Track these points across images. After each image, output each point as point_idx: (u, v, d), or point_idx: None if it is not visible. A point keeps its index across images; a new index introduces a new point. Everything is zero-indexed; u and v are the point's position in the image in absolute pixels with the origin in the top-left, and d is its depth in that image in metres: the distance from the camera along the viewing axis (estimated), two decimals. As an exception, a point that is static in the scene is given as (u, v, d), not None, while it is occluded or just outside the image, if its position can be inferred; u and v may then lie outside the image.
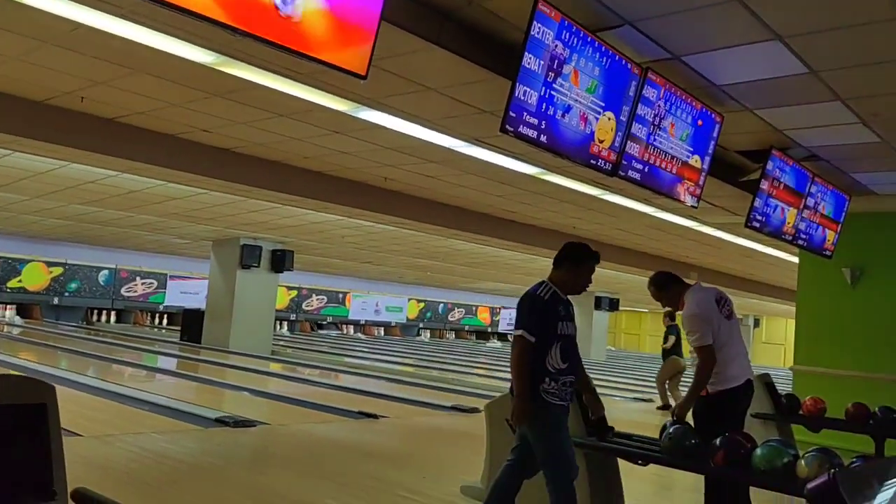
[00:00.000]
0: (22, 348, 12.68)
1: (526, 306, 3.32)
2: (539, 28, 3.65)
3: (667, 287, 4.17)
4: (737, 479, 3.49)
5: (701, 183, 5.32)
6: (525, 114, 3.78)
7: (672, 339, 10.06)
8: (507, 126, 3.72)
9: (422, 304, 28.64)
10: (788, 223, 6.54)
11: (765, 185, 6.00)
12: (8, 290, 19.14)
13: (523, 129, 3.80)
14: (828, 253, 7.35)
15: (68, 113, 6.29)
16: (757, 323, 31.37)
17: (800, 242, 6.85)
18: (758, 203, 6.02)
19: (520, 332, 3.25)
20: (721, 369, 3.89)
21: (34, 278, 19.58)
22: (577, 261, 3.44)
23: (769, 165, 5.94)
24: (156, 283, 21.82)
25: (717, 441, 3.36)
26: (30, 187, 10.13)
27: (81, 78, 5.41)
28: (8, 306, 19.59)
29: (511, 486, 3.44)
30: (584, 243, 3.54)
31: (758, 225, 6.15)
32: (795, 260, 8.62)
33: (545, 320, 3.28)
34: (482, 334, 31.11)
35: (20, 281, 19.33)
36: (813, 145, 6.05)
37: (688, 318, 4.00)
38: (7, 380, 2.13)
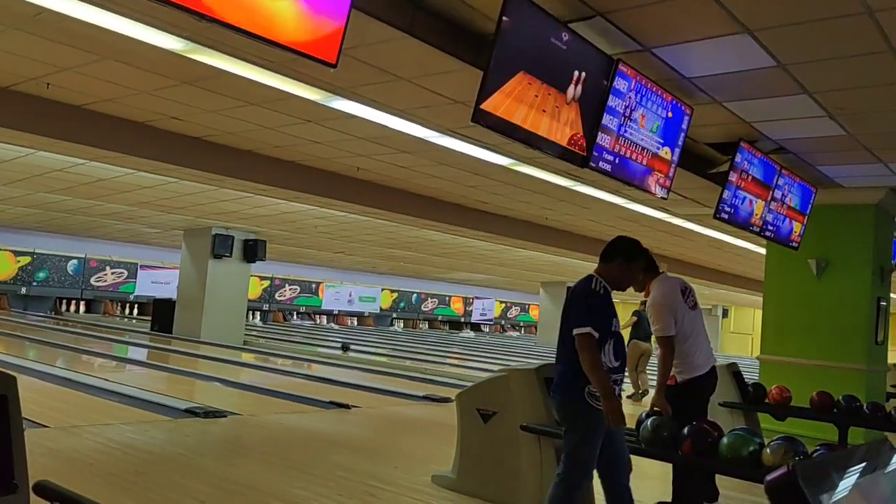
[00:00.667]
0: (-13, 339, 12.43)
1: (585, 302, 3.20)
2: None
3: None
4: (704, 467, 3.55)
5: (671, 174, 5.37)
6: (497, 104, 3.77)
7: (633, 320, 10.22)
8: (480, 116, 3.72)
9: (395, 295, 28.62)
10: (756, 215, 6.63)
11: (733, 177, 6.08)
12: (-28, 280, 18.76)
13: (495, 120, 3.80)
14: (794, 244, 7.47)
15: (34, 99, 6.15)
16: (725, 313, 31.88)
17: (767, 234, 6.96)
18: (726, 195, 6.10)
19: (586, 329, 3.09)
20: (688, 359, 3.98)
21: (1, 267, 19.18)
22: (630, 257, 3.35)
23: (738, 157, 6.01)
24: (126, 273, 21.52)
25: (685, 430, 3.41)
26: (-6, 175, 9.91)
27: (47, 63, 5.29)
28: (-27, 296, 19.22)
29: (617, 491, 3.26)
30: (635, 239, 3.42)
31: (726, 216, 6.23)
32: (763, 251, 8.76)
33: (602, 316, 3.18)
34: (455, 324, 31.20)
35: (-15, 270, 18.96)
36: (780, 138, 6.14)
37: (652, 307, 4.09)
38: (-34, 371, 2.09)
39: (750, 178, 6.29)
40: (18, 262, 19.43)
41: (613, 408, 3.07)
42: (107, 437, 5.01)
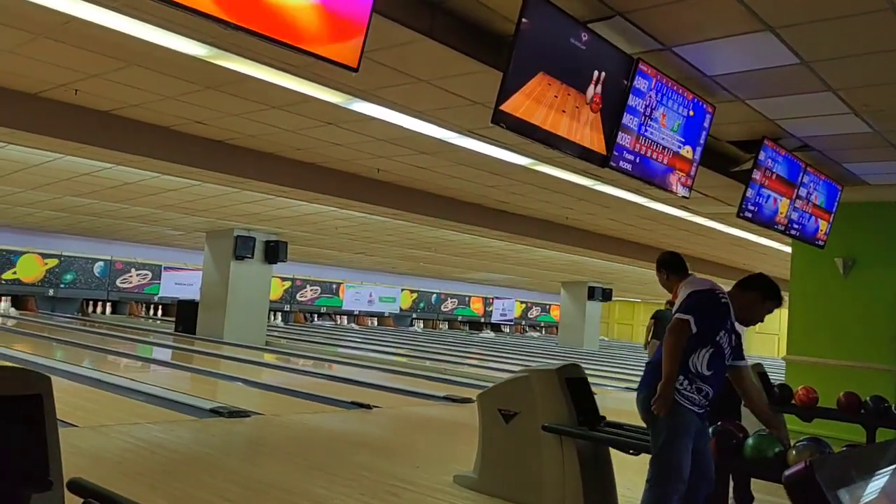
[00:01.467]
0: (17, 340, 12.67)
1: (699, 298, 3.19)
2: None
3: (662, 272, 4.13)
4: (728, 468, 3.53)
5: (692, 173, 5.35)
6: (517, 105, 3.79)
7: (651, 323, 10.13)
8: (499, 118, 3.73)
9: (415, 295, 28.67)
10: (781, 213, 6.57)
11: (757, 175, 6.03)
12: (3, 282, 19.09)
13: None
14: (820, 243, 7.39)
15: (62, 105, 6.28)
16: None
17: (792, 232, 6.89)
18: (750, 193, 6.05)
19: (686, 317, 3.09)
20: None
21: (29, 270, 19.52)
22: (766, 296, 3.30)
23: (761, 155, 5.96)
24: (150, 275, 21.78)
25: (710, 431, 3.40)
26: (24, 179, 10.10)
27: (75, 70, 5.40)
28: (3, 298, 19.54)
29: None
30: (777, 285, 3.39)
31: (750, 215, 6.18)
32: (788, 250, 8.67)
33: (711, 320, 3.14)
34: (475, 325, 31.17)
35: (15, 273, 19.28)
36: (805, 135, 6.08)
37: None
38: (2, 371, 2.15)
39: (774, 175, 6.24)
40: (46, 264, 19.75)
41: (664, 393, 3.04)
42: (134, 436, 5.10)
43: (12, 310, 19.35)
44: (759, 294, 3.29)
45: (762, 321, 3.43)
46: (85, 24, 4.25)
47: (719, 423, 3.45)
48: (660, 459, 3.11)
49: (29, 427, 2.05)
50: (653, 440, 3.16)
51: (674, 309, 3.31)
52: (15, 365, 5.78)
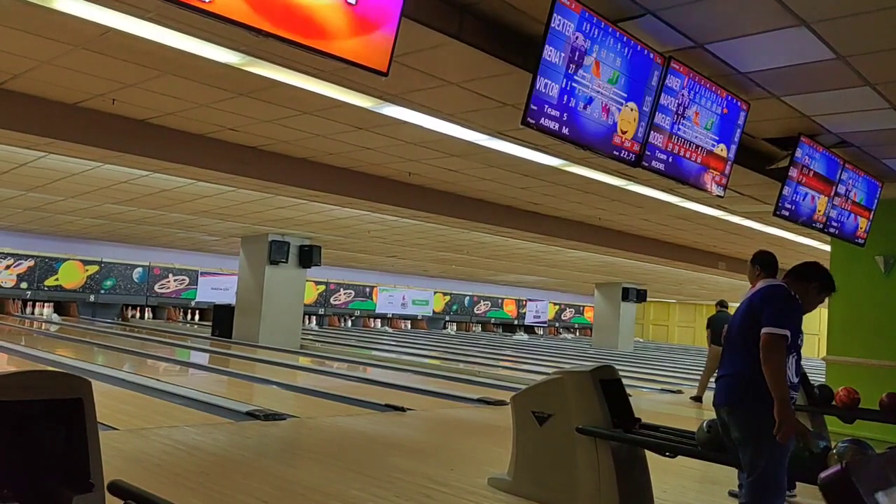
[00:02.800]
0: (59, 345, 12.99)
1: (784, 304, 3.02)
2: (559, 20, 3.65)
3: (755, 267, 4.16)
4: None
5: (727, 172, 5.27)
6: (546, 106, 3.78)
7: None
8: (529, 119, 3.73)
9: (447, 298, 28.69)
10: (819, 211, 6.45)
11: (794, 172, 5.92)
12: (45, 289, 19.59)
13: (545, 122, 3.81)
14: (860, 241, 7.22)
15: (101, 115, 6.43)
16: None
17: (831, 230, 6.75)
18: (787, 191, 5.95)
19: (783, 331, 2.92)
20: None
21: (71, 276, 20.00)
22: (823, 287, 3.25)
23: (798, 153, 5.86)
24: (187, 280, 22.15)
25: None
26: (65, 188, 10.36)
27: (112, 80, 5.52)
28: (46, 304, 20.06)
29: None
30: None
31: (787, 213, 6.07)
32: (827, 248, 8.49)
33: (797, 326, 3.03)
34: (508, 327, 31.08)
35: (57, 279, 19.77)
36: (843, 131, 5.95)
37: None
38: (44, 375, 2.21)
39: (811, 173, 6.12)
40: (87, 270, 20.22)
41: (788, 417, 2.85)
42: (173, 438, 5.19)
43: (55, 315, 19.84)
44: (817, 285, 3.23)
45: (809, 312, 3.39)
46: (122, 34, 4.36)
47: None
48: (765, 479, 2.95)
49: (70, 430, 2.10)
50: (753, 459, 2.98)
51: (747, 311, 3.10)
52: (56, 369, 5.92)
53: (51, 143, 6.77)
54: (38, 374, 2.17)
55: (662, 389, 11.33)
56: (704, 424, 3.53)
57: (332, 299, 25.42)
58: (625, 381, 4.25)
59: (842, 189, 6.62)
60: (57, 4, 3.94)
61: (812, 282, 3.23)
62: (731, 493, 4.31)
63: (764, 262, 4.02)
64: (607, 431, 3.84)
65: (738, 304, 4.04)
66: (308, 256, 15.28)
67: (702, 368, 10.46)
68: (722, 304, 10.14)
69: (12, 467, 1.94)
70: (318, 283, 24.22)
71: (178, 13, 3.46)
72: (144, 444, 4.95)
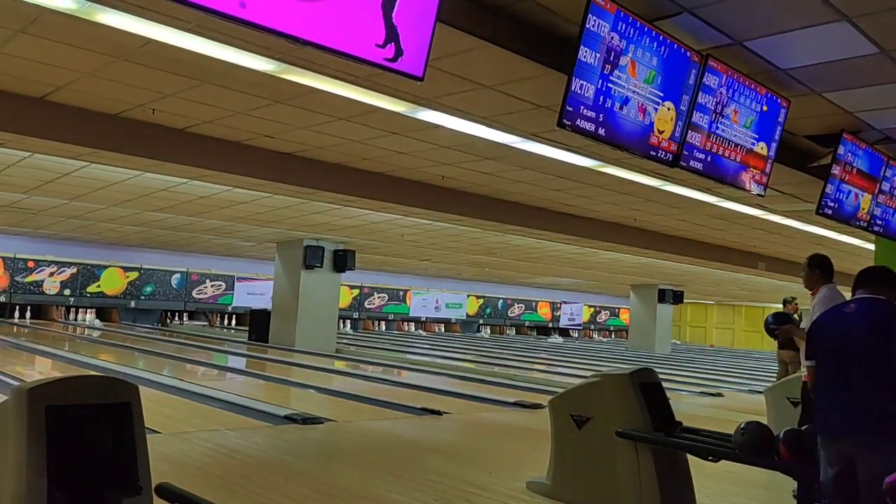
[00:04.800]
0: (102, 350, 13.28)
1: None
2: (594, 21, 3.62)
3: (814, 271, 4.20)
4: (800, 473, 3.39)
5: (767, 170, 5.18)
6: (582, 107, 3.76)
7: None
8: (565, 120, 3.71)
9: (481, 300, 28.64)
10: (863, 209, 6.30)
11: (836, 170, 5.80)
12: (88, 295, 20.06)
13: (581, 123, 3.78)
14: (906, 239, 7.04)
15: (141, 124, 6.56)
16: (831, 313, 30.12)
17: (875, 229, 6.59)
18: (829, 189, 5.83)
19: None
20: None
21: (112, 283, 20.45)
22: None
23: (840, 150, 5.73)
24: (224, 285, 22.48)
25: (780, 434, 3.32)
26: (106, 196, 10.60)
27: (152, 91, 5.64)
28: (88, 310, 20.54)
29: None
30: None
31: (830, 212, 5.95)
32: (870, 247, 8.28)
33: None
34: (543, 329, 30.90)
35: (99, 286, 20.23)
36: (887, 127, 5.81)
37: (814, 305, 4.13)
38: (95, 380, 2.26)
39: (854, 170, 5.98)
40: (128, 277, 20.65)
41: None
42: (214, 442, 5.27)
43: (97, 321, 20.30)
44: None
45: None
46: (162, 45, 4.44)
47: (790, 427, 3.38)
48: None
49: (119, 433, 2.14)
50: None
51: (871, 333, 2.88)
52: (104, 375, 6.06)
53: (93, 153, 6.93)
54: (88, 379, 2.22)
55: (702, 392, 11.16)
56: (741, 429, 3.47)
57: (366, 303, 25.57)
58: (664, 384, 4.19)
59: (886, 186, 6.46)
60: (100, 17, 4.03)
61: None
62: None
63: (823, 265, 4.02)
64: (648, 435, 3.79)
65: (812, 308, 3.98)
66: (342, 261, 15.39)
67: (746, 371, 10.17)
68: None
69: (65, 470, 1.99)
70: (352, 287, 24.38)
71: (216, 23, 3.52)
72: (186, 447, 5.03)
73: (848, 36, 3.99)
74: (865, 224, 6.43)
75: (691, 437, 3.84)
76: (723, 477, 4.79)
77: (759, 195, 5.30)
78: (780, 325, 4.98)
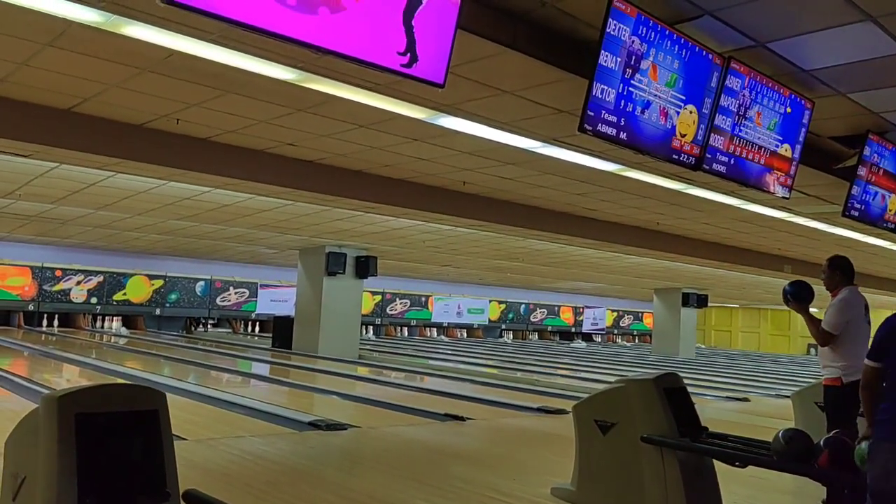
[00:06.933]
0: (128, 357, 13.45)
1: None
2: (615, 25, 3.62)
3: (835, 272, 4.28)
4: (840, 481, 3.33)
5: (792, 172, 5.12)
6: (603, 112, 3.75)
7: None
8: (586, 125, 3.70)
9: (503, 306, 28.57)
10: (890, 210, 6.20)
11: (862, 171, 5.72)
12: (114, 303, 20.34)
13: (602, 128, 3.77)
14: (935, 240, 6.91)
15: (165, 134, 6.66)
16: (860, 316, 29.64)
17: (904, 230, 6.48)
18: (855, 191, 5.75)
19: None
20: (857, 361, 3.84)
21: (137, 291, 20.73)
22: None
23: (866, 151, 5.66)
24: (248, 293, 22.67)
25: (821, 442, 3.24)
26: (131, 205, 10.75)
27: (176, 101, 5.72)
28: (115, 318, 20.83)
29: None
30: None
31: (857, 214, 5.87)
32: (899, 249, 8.14)
33: None
34: (566, 335, 30.74)
35: (125, 294, 20.52)
36: (914, 127, 5.72)
37: (834, 305, 4.24)
38: (123, 388, 2.30)
39: (881, 171, 5.89)
40: (153, 285, 20.92)
41: None
42: (240, 448, 5.31)
43: (123, 329, 20.58)
44: None
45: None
46: (185, 56, 4.51)
47: (830, 434, 3.28)
48: None
49: (148, 440, 2.18)
50: None
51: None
52: (131, 382, 6.14)
53: (119, 163, 7.04)
54: (117, 386, 2.26)
55: (728, 397, 11.03)
56: (781, 435, 3.38)
57: (388, 309, 25.63)
58: (688, 389, 4.15)
59: (914, 187, 6.35)
60: (125, 30, 4.10)
61: None
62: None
63: (843, 266, 4.02)
64: (673, 440, 3.75)
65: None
66: (364, 267, 15.45)
67: (772, 375, 10.04)
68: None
69: (95, 477, 2.02)
70: (374, 293, 24.47)
71: (238, 34, 3.56)
72: (212, 454, 5.07)
73: (873, 36, 3.95)
74: (893, 226, 6.33)
75: (718, 442, 3.80)
76: (750, 483, 4.73)
77: (783, 198, 5.24)
78: (795, 300, 4.73)
